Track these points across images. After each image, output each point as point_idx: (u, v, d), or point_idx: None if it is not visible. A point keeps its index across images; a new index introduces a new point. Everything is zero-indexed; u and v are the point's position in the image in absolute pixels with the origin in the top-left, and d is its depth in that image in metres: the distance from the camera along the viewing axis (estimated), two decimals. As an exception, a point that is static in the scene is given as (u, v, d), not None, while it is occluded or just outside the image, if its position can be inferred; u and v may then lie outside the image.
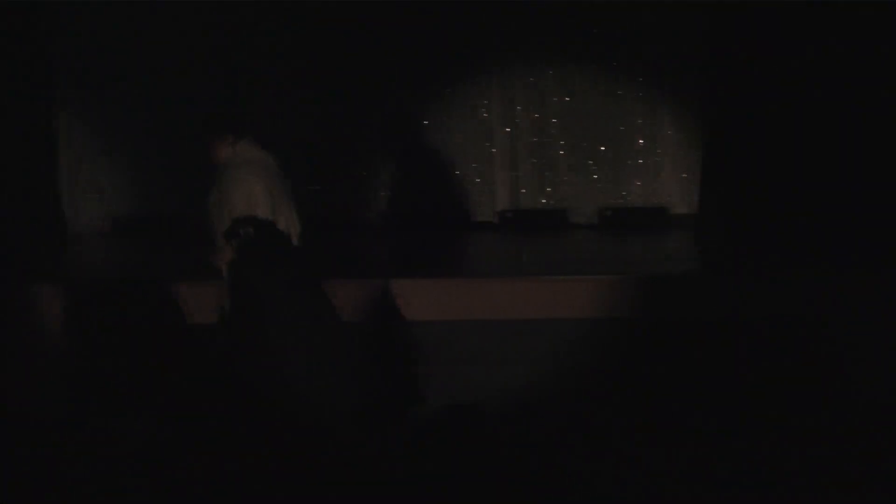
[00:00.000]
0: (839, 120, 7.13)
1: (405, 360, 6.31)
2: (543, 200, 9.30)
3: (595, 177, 9.23)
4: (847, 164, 7.17)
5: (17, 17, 7.57)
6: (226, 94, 8.73)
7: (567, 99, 9.23)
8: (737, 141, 7.34)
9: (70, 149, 8.99)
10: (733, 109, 7.36)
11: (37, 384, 6.31)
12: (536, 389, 6.16)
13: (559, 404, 6.08)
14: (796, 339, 6.35)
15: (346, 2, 8.75)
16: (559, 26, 9.06)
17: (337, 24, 8.88)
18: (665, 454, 5.24)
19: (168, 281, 6.68)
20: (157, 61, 8.84)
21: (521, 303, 6.58)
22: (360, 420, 5.39)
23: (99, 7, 8.82)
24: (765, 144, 7.25)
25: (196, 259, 5.65)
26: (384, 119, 9.21)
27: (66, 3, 8.61)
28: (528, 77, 9.24)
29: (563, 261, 8.18)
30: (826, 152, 7.17)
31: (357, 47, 8.92)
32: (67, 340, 6.51)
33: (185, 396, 5.82)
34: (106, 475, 5.07)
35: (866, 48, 7.05)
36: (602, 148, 9.22)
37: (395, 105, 9.21)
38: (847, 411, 5.95)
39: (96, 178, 9.24)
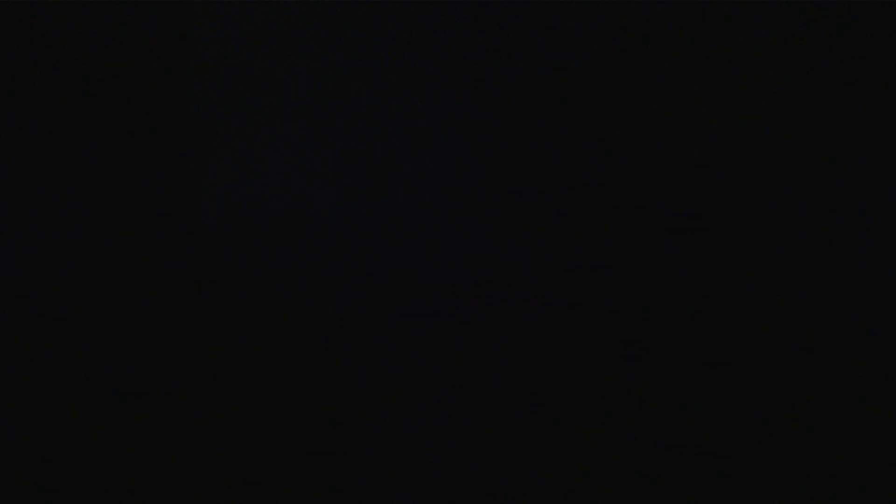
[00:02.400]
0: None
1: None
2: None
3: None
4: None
5: (153, 17, 7.68)
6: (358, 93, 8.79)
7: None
8: (842, 138, 7.35)
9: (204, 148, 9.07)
10: (837, 107, 7.37)
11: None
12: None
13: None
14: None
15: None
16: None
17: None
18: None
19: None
20: (294, 60, 8.92)
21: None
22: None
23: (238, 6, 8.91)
24: (870, 142, 7.24)
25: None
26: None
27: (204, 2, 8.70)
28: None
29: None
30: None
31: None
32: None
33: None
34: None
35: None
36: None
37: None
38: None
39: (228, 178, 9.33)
